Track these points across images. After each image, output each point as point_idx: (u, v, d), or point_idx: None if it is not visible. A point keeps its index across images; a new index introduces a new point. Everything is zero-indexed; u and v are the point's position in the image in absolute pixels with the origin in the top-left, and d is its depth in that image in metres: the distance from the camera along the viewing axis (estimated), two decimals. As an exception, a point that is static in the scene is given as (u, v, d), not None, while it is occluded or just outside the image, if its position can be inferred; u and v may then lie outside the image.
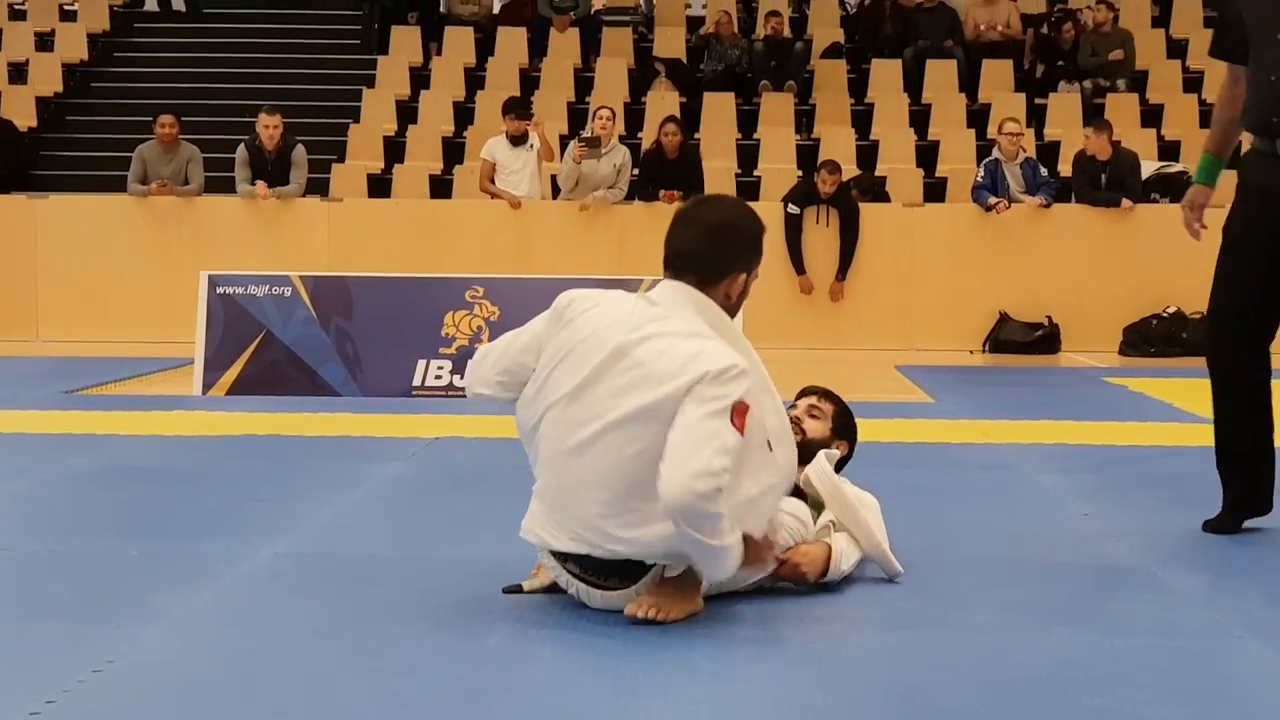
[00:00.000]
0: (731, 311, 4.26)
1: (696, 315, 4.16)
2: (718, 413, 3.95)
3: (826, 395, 5.11)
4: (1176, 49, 18.36)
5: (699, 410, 3.96)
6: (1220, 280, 5.60)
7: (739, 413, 3.97)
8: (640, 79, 17.92)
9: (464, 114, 17.25)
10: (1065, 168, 15.46)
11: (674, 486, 3.90)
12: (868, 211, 14.41)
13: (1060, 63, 17.55)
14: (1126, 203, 14.11)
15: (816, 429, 4.95)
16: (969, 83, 17.53)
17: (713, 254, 4.23)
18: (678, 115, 15.44)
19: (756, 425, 4.05)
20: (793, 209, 14.22)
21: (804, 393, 5.14)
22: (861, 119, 17.14)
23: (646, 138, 16.11)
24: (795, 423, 4.89)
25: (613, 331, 4.14)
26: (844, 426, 5.06)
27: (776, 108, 17.16)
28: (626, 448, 4.05)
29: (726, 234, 4.26)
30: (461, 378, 10.05)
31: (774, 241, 14.14)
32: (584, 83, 17.81)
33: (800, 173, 15.45)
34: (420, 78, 17.98)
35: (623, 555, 4.14)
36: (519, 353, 4.34)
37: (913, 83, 17.58)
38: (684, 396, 3.98)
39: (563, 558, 4.25)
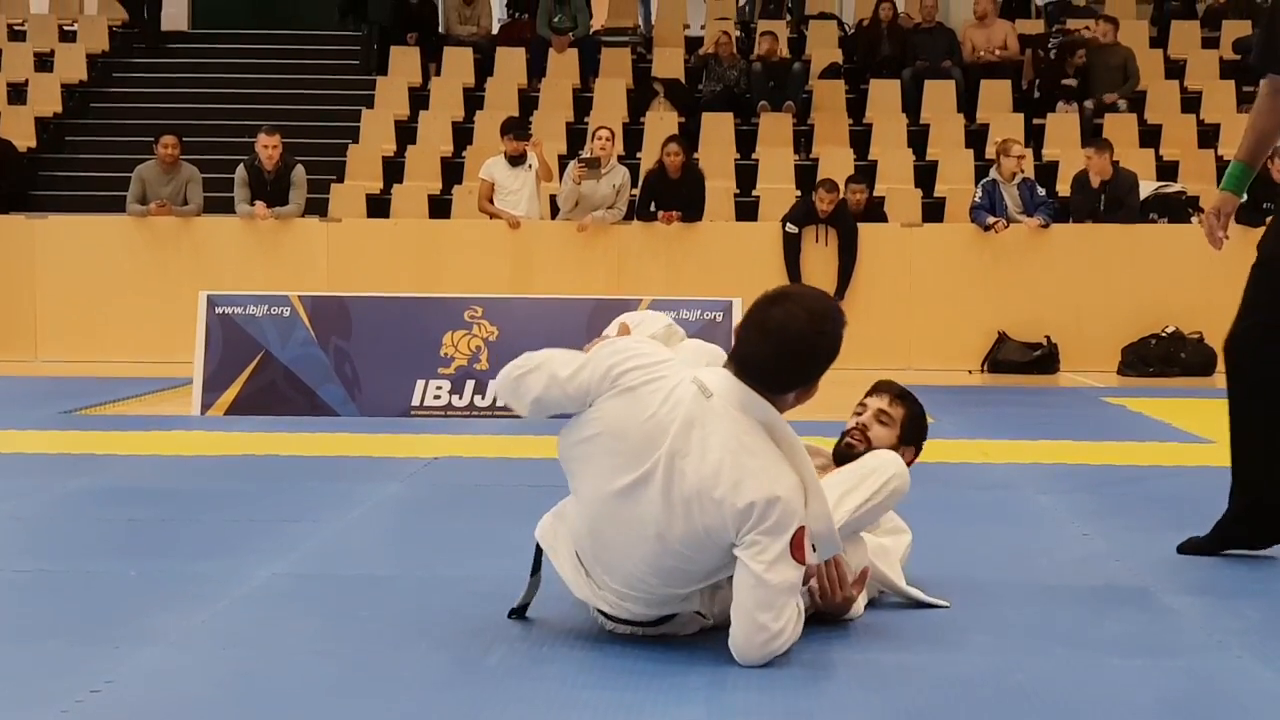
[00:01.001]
0: (790, 406, 4.08)
1: (746, 418, 3.96)
2: (778, 558, 3.92)
3: (900, 398, 4.80)
4: (1175, 69, 18.38)
5: (759, 561, 3.91)
6: (1256, 290, 5.54)
7: (798, 545, 3.94)
8: (639, 99, 17.94)
9: (463, 134, 17.26)
10: (1063, 188, 15.47)
11: (749, 654, 3.96)
12: (866, 231, 14.42)
13: (1067, 83, 17.54)
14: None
15: (883, 437, 4.70)
16: (967, 103, 17.55)
17: (785, 372, 4.00)
18: (678, 135, 15.45)
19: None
20: (791, 228, 14.25)
21: (876, 389, 4.84)
22: (860, 139, 17.15)
23: (645, 158, 16.13)
24: (861, 430, 4.69)
25: (669, 426, 3.95)
26: (914, 433, 4.80)
27: (775, 128, 17.18)
28: (668, 559, 4.01)
29: (805, 355, 3.98)
30: (460, 397, 10.07)
31: (774, 260, 14.17)
32: (583, 103, 17.82)
33: (799, 193, 15.46)
34: (419, 98, 17.99)
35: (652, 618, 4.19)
36: (563, 398, 4.12)
37: (911, 103, 17.60)
38: (735, 538, 3.92)
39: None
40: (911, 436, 4.80)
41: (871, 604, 4.65)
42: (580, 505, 4.18)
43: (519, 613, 4.44)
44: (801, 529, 3.94)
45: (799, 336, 3.94)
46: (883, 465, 4.43)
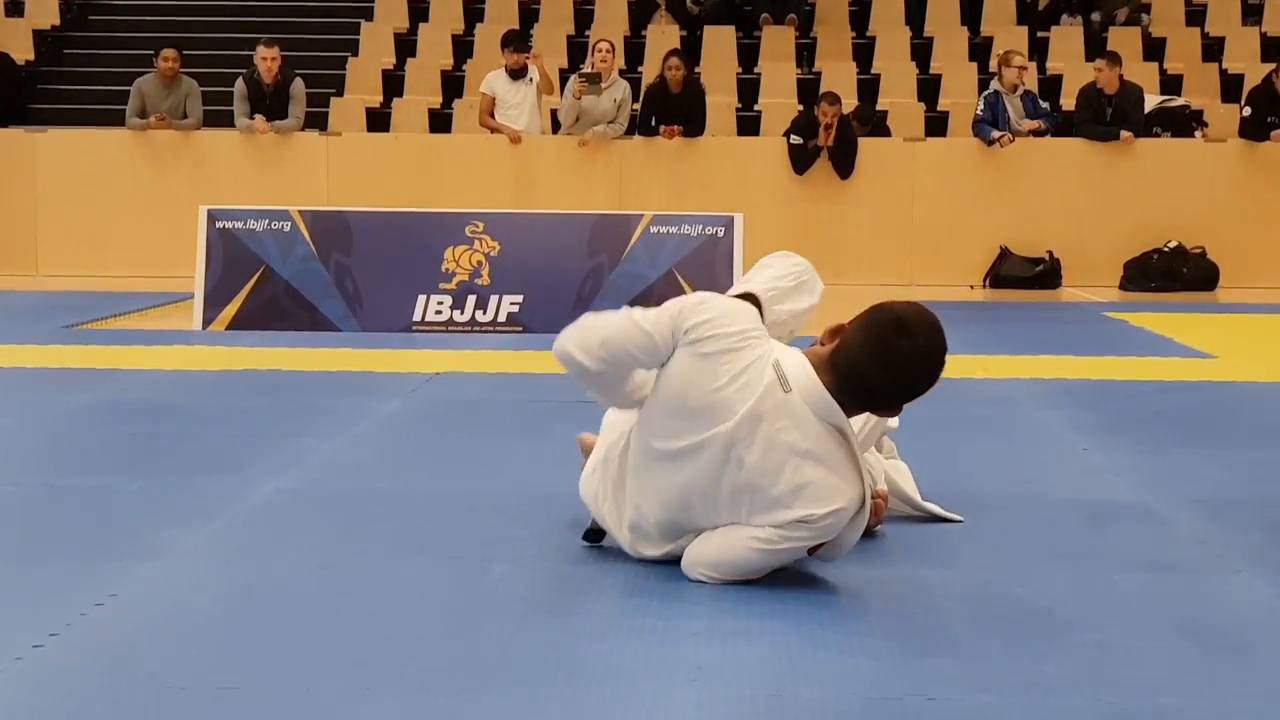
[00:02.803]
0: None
1: (820, 422, 3.84)
2: (800, 545, 3.89)
3: None
4: (1179, -19, 18.27)
5: (783, 535, 3.87)
6: None
7: (818, 545, 3.93)
8: (640, 12, 17.82)
9: (463, 47, 17.17)
10: (1067, 102, 15.40)
11: (692, 571, 3.98)
12: (867, 146, 14.36)
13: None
14: (1126, 135, 14.09)
15: None
16: (971, 16, 17.44)
17: (895, 400, 3.94)
18: (680, 49, 15.36)
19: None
20: (795, 139, 14.19)
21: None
22: (863, 53, 17.05)
23: (647, 72, 16.05)
24: None
25: (735, 408, 3.83)
26: None
27: (777, 42, 17.07)
28: (692, 518, 3.99)
29: (917, 390, 3.88)
30: (462, 312, 10.06)
31: (776, 176, 14.15)
32: (584, 16, 17.71)
33: (801, 107, 15.40)
34: (419, 10, 17.88)
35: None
36: (633, 349, 3.94)
37: (914, 16, 17.49)
38: (776, 525, 3.87)
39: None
40: None
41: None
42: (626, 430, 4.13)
43: (596, 535, 4.30)
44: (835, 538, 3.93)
45: (920, 374, 3.84)
46: None
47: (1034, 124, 14.28)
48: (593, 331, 4.00)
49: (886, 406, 3.98)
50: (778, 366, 3.87)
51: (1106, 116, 14.34)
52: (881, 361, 3.78)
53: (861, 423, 4.23)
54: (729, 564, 3.95)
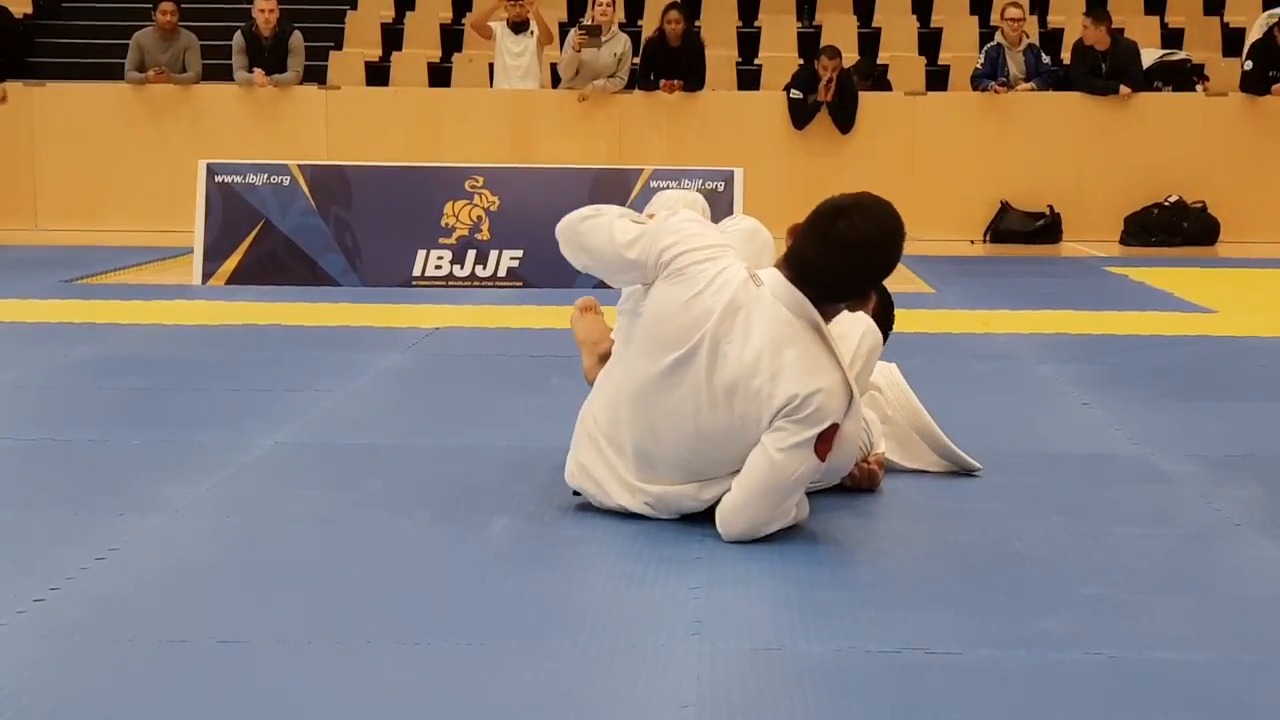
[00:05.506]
0: (836, 314, 4.02)
1: (790, 314, 3.87)
2: (798, 446, 3.85)
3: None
4: (1181, -66, 18.18)
5: (778, 447, 3.85)
6: None
7: (825, 439, 3.88)
8: (641, -35, 17.74)
9: (462, 1, 17.09)
10: (1068, 56, 15.35)
11: (730, 529, 3.95)
12: (868, 100, 14.32)
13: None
14: (1124, 90, 14.05)
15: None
16: (973, -31, 17.38)
17: (846, 283, 3.92)
18: (679, 2, 15.31)
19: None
20: (795, 94, 14.15)
21: None
22: (863, 6, 16.99)
23: (647, 25, 15.99)
24: None
25: (714, 307, 3.89)
26: (883, 317, 4.69)
27: (778, -6, 17.01)
28: (702, 444, 3.97)
29: (868, 268, 3.91)
30: (461, 267, 10.05)
31: (776, 130, 14.10)
32: (583, -31, 17.64)
33: (801, 61, 15.35)
34: (418, -36, 17.80)
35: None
36: (617, 262, 4.10)
37: (915, -31, 17.42)
38: (767, 426, 3.86)
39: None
40: (881, 319, 4.64)
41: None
42: (611, 385, 4.14)
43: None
44: (835, 427, 3.88)
45: (865, 251, 3.86)
46: (850, 330, 4.29)
47: (1027, 86, 14.28)
48: (585, 242, 4.18)
49: (852, 294, 3.97)
50: (749, 268, 3.98)
51: (1101, 71, 14.30)
52: (825, 247, 3.87)
53: (848, 360, 4.18)
54: (754, 488, 3.90)
